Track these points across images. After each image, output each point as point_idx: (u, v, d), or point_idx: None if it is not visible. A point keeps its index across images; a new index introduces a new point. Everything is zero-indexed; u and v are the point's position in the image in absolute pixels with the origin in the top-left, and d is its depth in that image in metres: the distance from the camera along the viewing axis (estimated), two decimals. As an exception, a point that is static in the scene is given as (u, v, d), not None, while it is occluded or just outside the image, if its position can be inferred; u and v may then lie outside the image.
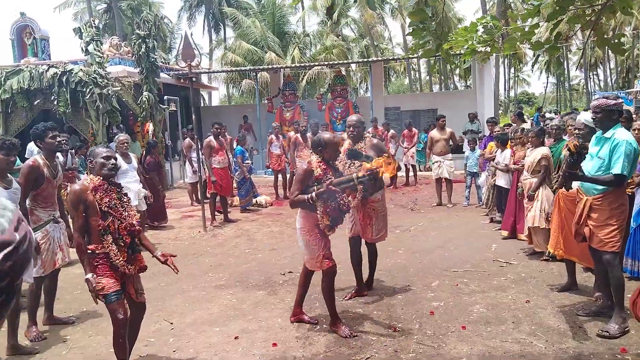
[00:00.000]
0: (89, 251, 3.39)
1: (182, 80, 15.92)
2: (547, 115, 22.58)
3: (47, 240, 4.47)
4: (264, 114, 17.20)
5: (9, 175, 4.32)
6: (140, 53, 12.65)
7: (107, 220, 3.40)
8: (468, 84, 42.91)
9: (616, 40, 3.07)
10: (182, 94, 16.07)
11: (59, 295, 5.04)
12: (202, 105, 27.93)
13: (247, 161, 10.41)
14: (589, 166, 4.05)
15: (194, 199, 11.20)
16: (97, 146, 4.14)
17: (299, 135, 11.01)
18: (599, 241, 3.98)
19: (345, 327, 4.21)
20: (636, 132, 5.00)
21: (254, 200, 10.59)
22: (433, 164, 10.08)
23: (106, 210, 3.41)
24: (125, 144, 7.26)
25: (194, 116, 9.69)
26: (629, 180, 4.26)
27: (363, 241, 5.16)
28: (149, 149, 9.19)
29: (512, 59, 45.62)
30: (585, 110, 6.87)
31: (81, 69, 11.47)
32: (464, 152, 10.86)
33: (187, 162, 11.60)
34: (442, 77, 45.47)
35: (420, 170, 14.23)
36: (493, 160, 7.88)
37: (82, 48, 11.82)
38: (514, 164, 6.96)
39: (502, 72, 45.40)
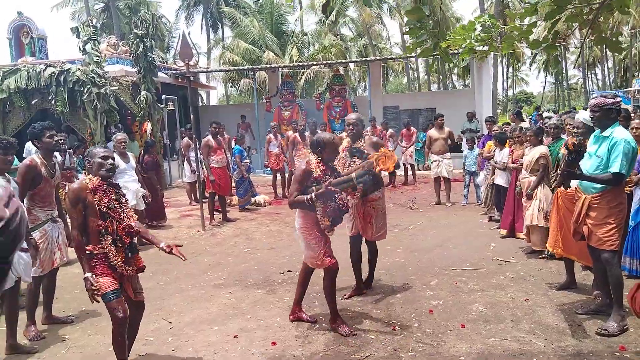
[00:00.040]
0: (87, 252, 3.39)
1: (180, 80, 15.90)
2: (545, 114, 22.62)
3: (45, 240, 4.45)
4: (262, 113, 17.20)
5: (6, 174, 4.31)
6: (138, 52, 12.62)
7: (106, 220, 3.40)
8: (466, 83, 42.97)
9: (614, 39, 3.08)
10: (180, 94, 16.05)
11: (58, 294, 5.04)
12: (200, 104, 27.92)
13: (245, 160, 10.40)
14: (587, 165, 4.06)
15: (193, 198, 11.20)
16: (94, 146, 4.14)
17: (297, 134, 11.00)
18: (598, 240, 3.98)
19: (345, 325, 4.22)
20: (634, 130, 5.00)
21: (252, 200, 10.58)
22: (432, 163, 10.09)
23: (105, 210, 3.41)
24: (123, 144, 7.24)
25: (192, 115, 9.70)
26: (627, 179, 4.26)
27: (363, 240, 5.16)
28: (147, 148, 9.18)
29: (511, 58, 45.68)
30: (584, 109, 6.88)
31: (79, 69, 11.44)
32: (462, 151, 10.88)
33: (185, 162, 11.59)
34: (441, 77, 45.50)
35: (419, 169, 14.23)
36: (491, 159, 7.89)
37: (79, 47, 11.79)
38: (513, 162, 6.97)
39: (501, 71, 45.42)
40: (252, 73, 19.43)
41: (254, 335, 4.23)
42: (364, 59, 24.13)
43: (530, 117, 20.87)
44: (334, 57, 26.62)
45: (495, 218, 7.92)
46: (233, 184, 10.10)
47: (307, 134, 10.97)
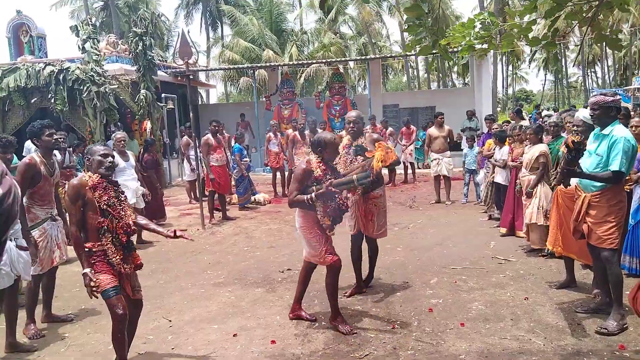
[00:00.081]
0: (86, 249, 3.39)
1: (179, 78, 15.89)
2: (545, 112, 22.59)
3: (44, 238, 4.45)
4: (262, 112, 17.19)
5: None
6: (137, 51, 12.61)
7: (107, 218, 3.40)
8: (466, 82, 42.94)
9: (613, 36, 3.07)
10: (179, 92, 16.04)
11: (57, 293, 5.04)
12: (199, 103, 27.90)
13: (245, 159, 10.40)
14: (587, 163, 4.05)
15: (192, 196, 11.20)
16: (94, 144, 4.13)
17: (297, 132, 10.99)
18: (598, 238, 3.98)
19: (345, 323, 4.22)
20: (634, 129, 5.00)
21: (252, 198, 10.58)
22: (431, 161, 10.08)
23: (105, 208, 3.41)
24: (123, 142, 7.23)
25: (191, 114, 9.70)
26: (627, 178, 4.26)
27: (363, 239, 5.16)
28: (146, 146, 9.18)
29: (510, 56, 45.65)
30: (584, 107, 6.88)
31: (78, 67, 11.44)
32: (462, 150, 10.87)
33: (185, 160, 11.59)
34: (440, 75, 45.49)
35: (419, 168, 14.22)
36: (491, 157, 7.89)
37: (79, 46, 11.79)
38: (512, 161, 6.97)
39: (500, 69, 45.37)
40: (252, 71, 19.43)
41: (254, 334, 4.23)
42: (363, 57, 24.11)
43: (530, 115, 20.85)
44: (333, 55, 26.60)
45: (495, 216, 7.92)
46: (233, 183, 10.10)
47: (306, 132, 10.96)
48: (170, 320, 4.62)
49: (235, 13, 28.90)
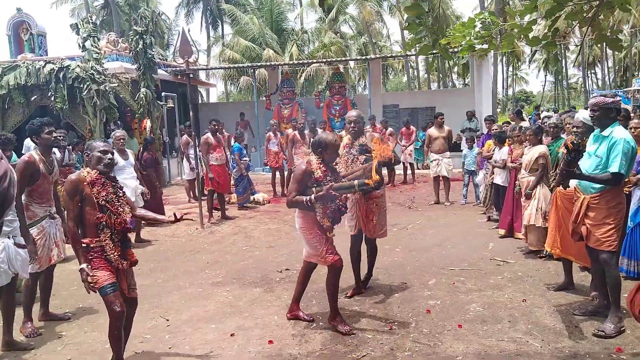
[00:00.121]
0: (83, 245, 3.38)
1: (179, 77, 15.89)
2: (544, 113, 22.58)
3: (43, 236, 4.44)
4: (262, 111, 17.18)
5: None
6: (137, 49, 12.61)
7: (105, 214, 3.40)
8: (466, 82, 42.95)
9: (614, 37, 3.06)
10: (179, 91, 16.04)
11: (55, 291, 5.03)
12: (199, 102, 27.90)
13: (244, 158, 10.39)
14: (586, 164, 4.04)
15: (192, 195, 11.19)
16: (95, 140, 4.13)
17: (296, 132, 10.98)
18: (596, 240, 3.97)
19: (344, 323, 4.21)
20: (633, 130, 4.99)
21: (251, 198, 10.57)
22: (431, 162, 10.07)
23: (103, 204, 3.41)
24: (122, 140, 7.22)
25: (191, 113, 9.68)
26: (626, 180, 4.25)
27: (362, 239, 5.15)
28: (146, 145, 9.16)
29: (510, 57, 45.62)
30: (584, 108, 6.87)
31: (78, 65, 11.44)
32: (461, 150, 10.86)
33: (184, 159, 11.58)
34: (440, 75, 45.47)
35: (418, 168, 14.22)
36: (491, 158, 7.88)
37: (79, 44, 11.78)
38: (512, 162, 6.96)
39: (500, 70, 45.40)
40: (252, 71, 19.42)
41: (251, 334, 4.22)
42: (364, 57, 24.10)
43: (530, 116, 20.86)
44: (333, 55, 26.61)
45: (494, 218, 7.91)
46: (232, 182, 10.09)
47: (306, 132, 10.95)
48: (167, 320, 4.61)
49: (236, 12, 28.89)
